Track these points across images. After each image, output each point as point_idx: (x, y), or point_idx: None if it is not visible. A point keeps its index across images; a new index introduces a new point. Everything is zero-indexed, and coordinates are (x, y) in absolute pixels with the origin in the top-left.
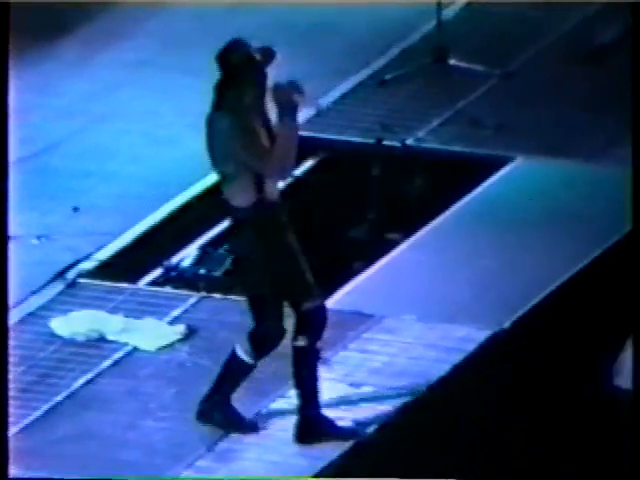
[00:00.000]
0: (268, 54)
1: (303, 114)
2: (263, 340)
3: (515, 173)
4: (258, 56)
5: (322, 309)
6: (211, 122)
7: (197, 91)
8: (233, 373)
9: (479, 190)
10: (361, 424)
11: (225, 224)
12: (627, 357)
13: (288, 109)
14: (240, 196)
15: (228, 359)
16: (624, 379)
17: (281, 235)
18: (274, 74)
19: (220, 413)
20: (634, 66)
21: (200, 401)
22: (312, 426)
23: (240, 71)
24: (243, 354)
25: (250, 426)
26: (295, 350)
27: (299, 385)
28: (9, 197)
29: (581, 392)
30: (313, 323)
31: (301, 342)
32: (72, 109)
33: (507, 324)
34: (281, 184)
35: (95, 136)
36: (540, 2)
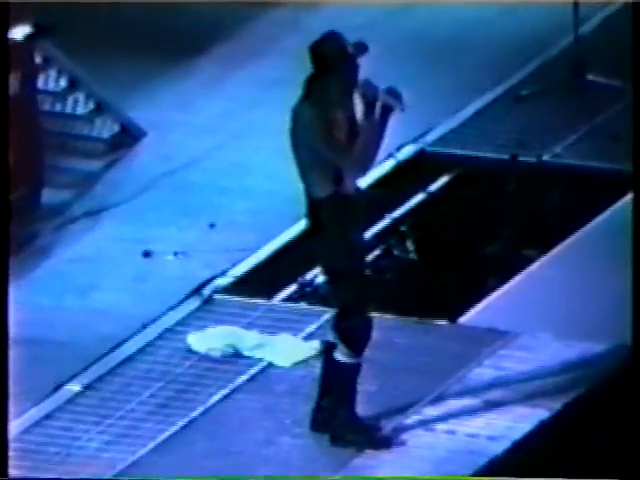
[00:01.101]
0: (360, 48)
1: (437, 130)
2: (354, 335)
3: None
4: (350, 49)
5: (370, 324)
6: (296, 113)
7: None
8: (345, 381)
9: (616, 206)
10: (495, 440)
11: None
12: None
13: (376, 108)
14: (318, 187)
15: (334, 371)
16: None
17: (352, 229)
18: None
19: (353, 433)
20: (634, 66)
21: (330, 426)
22: (344, 424)
23: (331, 63)
24: (343, 357)
25: (384, 440)
26: (331, 362)
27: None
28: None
29: None
30: (359, 337)
31: (342, 357)
32: (210, 126)
33: None
34: (361, 180)
35: (232, 153)
36: None
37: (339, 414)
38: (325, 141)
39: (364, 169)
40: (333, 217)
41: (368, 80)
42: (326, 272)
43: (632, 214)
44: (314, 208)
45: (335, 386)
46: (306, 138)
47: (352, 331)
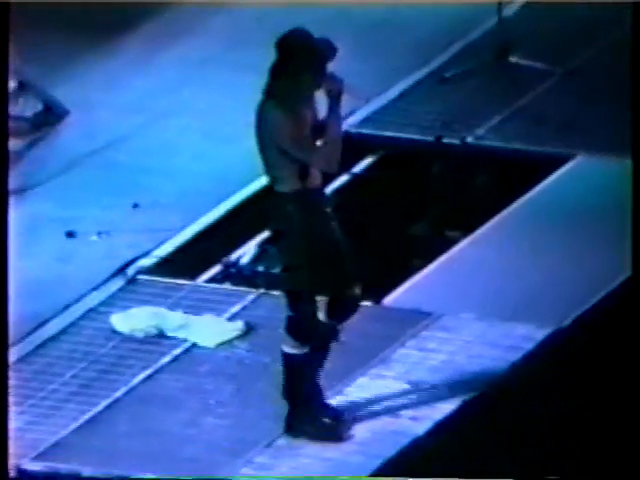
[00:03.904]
0: (331, 49)
1: (361, 111)
2: (299, 325)
3: (576, 171)
4: (321, 49)
5: (356, 299)
6: (261, 110)
7: (258, 89)
8: (294, 373)
9: (539, 188)
10: (418, 421)
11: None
12: None
13: (339, 101)
14: (284, 183)
15: (283, 363)
16: None
17: (322, 222)
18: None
19: (307, 425)
20: (634, 66)
21: (285, 417)
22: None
23: (299, 60)
24: (290, 349)
25: (336, 435)
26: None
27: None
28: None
29: None
30: (344, 310)
31: (286, 347)
32: (135, 106)
33: (567, 322)
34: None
35: (157, 133)
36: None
37: (293, 405)
38: (292, 141)
39: (332, 165)
40: (300, 211)
41: (333, 74)
42: (286, 262)
43: (632, 214)
44: (279, 202)
45: (285, 378)
46: (272, 138)
47: (298, 320)
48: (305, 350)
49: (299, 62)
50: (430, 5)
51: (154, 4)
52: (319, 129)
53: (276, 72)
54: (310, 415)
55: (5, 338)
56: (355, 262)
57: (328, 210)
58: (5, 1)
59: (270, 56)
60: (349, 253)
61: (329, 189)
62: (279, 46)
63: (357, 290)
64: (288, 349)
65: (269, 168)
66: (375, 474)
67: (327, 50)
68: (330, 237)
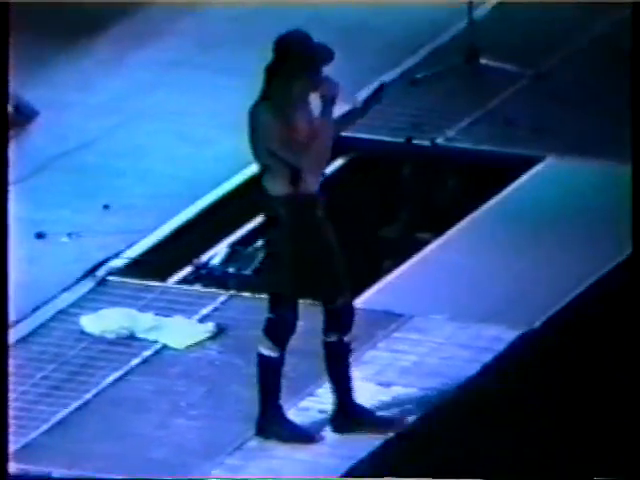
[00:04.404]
0: (328, 52)
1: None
2: (278, 328)
3: (546, 173)
4: (317, 52)
5: (351, 305)
6: (254, 112)
7: (230, 91)
8: (268, 375)
9: (509, 190)
10: None
11: (255, 222)
12: None
13: (332, 105)
14: (277, 186)
15: (258, 365)
16: None
17: (315, 229)
18: None
19: (277, 426)
20: (633, 66)
21: (257, 421)
22: (348, 415)
23: (297, 63)
24: (267, 351)
25: (307, 436)
26: (327, 346)
27: (333, 379)
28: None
29: (612, 392)
30: (342, 319)
31: (332, 338)
32: (106, 107)
33: (537, 324)
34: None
35: (128, 135)
36: (572, 2)
37: (266, 410)
38: (281, 143)
39: (322, 167)
40: (290, 215)
41: (328, 77)
42: (270, 263)
43: (632, 211)
44: (270, 205)
45: (259, 379)
46: (264, 140)
47: (276, 323)
48: (280, 353)
49: (294, 64)
50: (401, 7)
51: (126, 5)
52: (313, 132)
53: (271, 73)
54: (281, 417)
55: None
56: (347, 270)
57: (321, 216)
58: (5, 1)
59: (240, 57)
60: (341, 261)
61: None
62: (276, 47)
63: (351, 297)
64: (264, 350)
65: (261, 170)
66: (346, 475)
67: (324, 53)
68: (320, 244)
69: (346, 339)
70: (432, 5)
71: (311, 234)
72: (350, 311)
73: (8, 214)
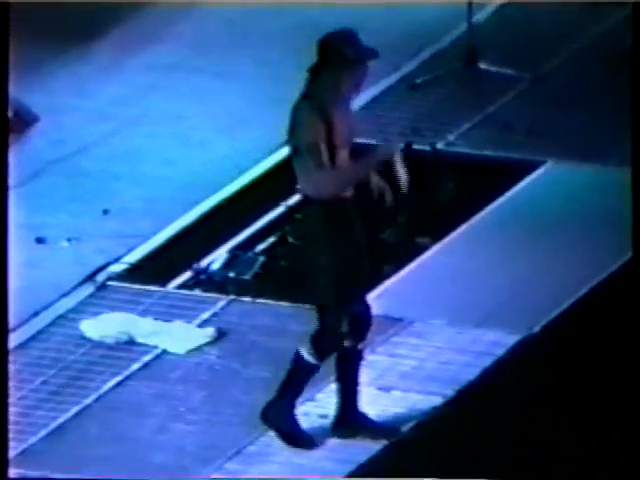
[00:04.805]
0: (372, 52)
1: None
2: (321, 341)
3: (546, 177)
4: (361, 51)
5: (370, 312)
6: (296, 110)
7: (227, 94)
8: (299, 376)
9: (509, 194)
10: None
11: (254, 228)
12: None
13: (380, 162)
14: (305, 188)
15: (293, 363)
16: None
17: (349, 235)
18: None
19: (282, 417)
20: (633, 66)
21: (267, 404)
22: (350, 421)
23: (346, 63)
24: (308, 356)
25: (308, 441)
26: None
27: (341, 383)
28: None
29: (612, 396)
30: (361, 326)
31: (347, 343)
32: (104, 112)
33: (537, 329)
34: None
35: (126, 139)
36: (571, 3)
37: (280, 401)
38: (313, 145)
39: (325, 191)
40: (325, 222)
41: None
42: (310, 274)
43: (632, 215)
44: (307, 210)
45: (288, 375)
46: (300, 138)
47: (322, 340)
48: (318, 362)
49: (337, 62)
50: (399, 11)
51: (123, 9)
52: (351, 133)
53: (315, 72)
54: (290, 412)
55: None
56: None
57: (357, 222)
58: (5, 1)
59: (237, 61)
60: (369, 267)
61: (300, 195)
62: (320, 46)
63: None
64: (305, 354)
65: (299, 172)
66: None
67: (367, 52)
68: (357, 251)
69: (360, 346)
70: (431, 9)
71: (347, 241)
72: (369, 319)
73: (8, 219)
